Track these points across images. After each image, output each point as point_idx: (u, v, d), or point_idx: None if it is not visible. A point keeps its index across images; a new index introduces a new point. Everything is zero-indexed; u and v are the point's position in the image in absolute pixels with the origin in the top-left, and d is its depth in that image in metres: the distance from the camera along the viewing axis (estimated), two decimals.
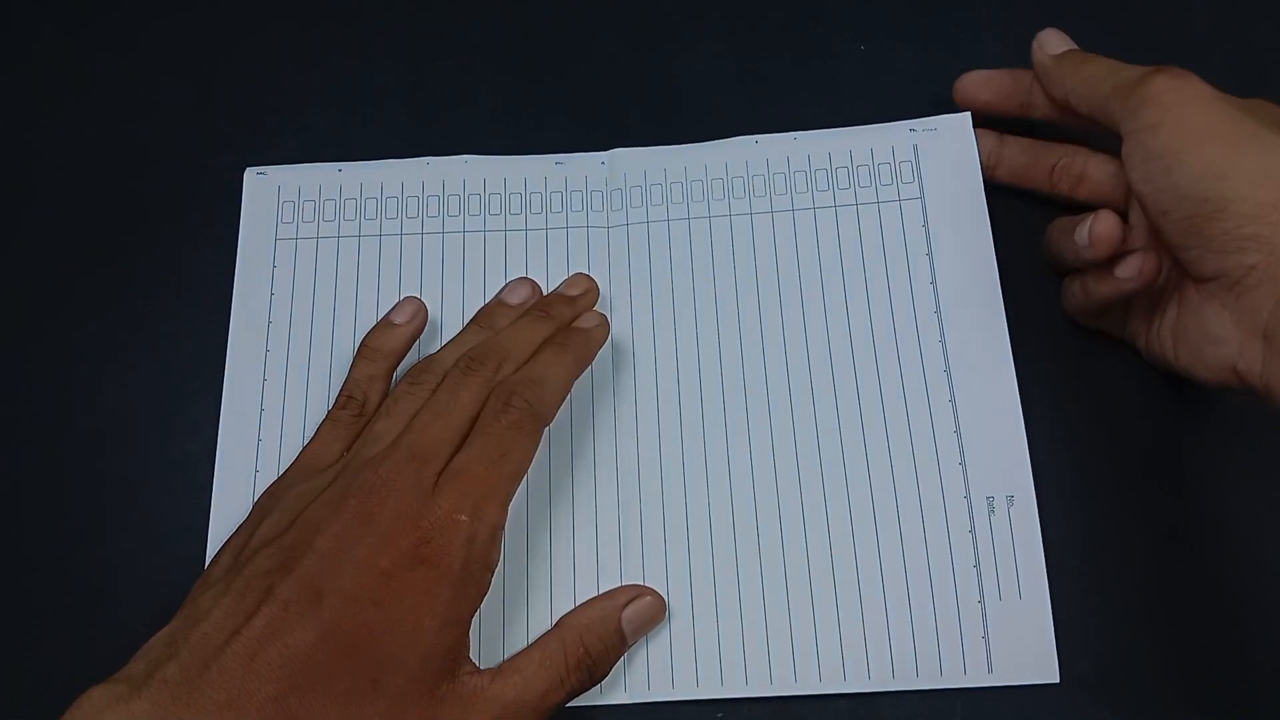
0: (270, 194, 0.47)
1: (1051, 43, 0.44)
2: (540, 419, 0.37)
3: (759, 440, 0.42)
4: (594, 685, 0.37)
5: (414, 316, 0.43)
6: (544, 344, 0.41)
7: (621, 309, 0.44)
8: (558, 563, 0.40)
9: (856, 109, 0.48)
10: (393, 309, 0.44)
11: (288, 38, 0.50)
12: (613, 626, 0.38)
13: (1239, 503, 0.41)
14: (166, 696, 0.30)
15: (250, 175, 0.47)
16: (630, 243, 0.45)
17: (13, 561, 0.41)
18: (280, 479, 0.40)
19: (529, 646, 0.37)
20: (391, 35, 0.50)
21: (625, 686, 0.39)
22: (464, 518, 0.34)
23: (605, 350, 0.43)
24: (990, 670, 0.38)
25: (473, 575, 0.35)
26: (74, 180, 0.47)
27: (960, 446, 0.41)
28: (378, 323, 0.43)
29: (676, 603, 0.40)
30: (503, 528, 0.35)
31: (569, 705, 0.38)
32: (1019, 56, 0.50)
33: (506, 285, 0.44)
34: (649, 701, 0.38)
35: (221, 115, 0.49)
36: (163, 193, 0.47)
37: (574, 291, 0.44)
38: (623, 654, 0.39)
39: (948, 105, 0.49)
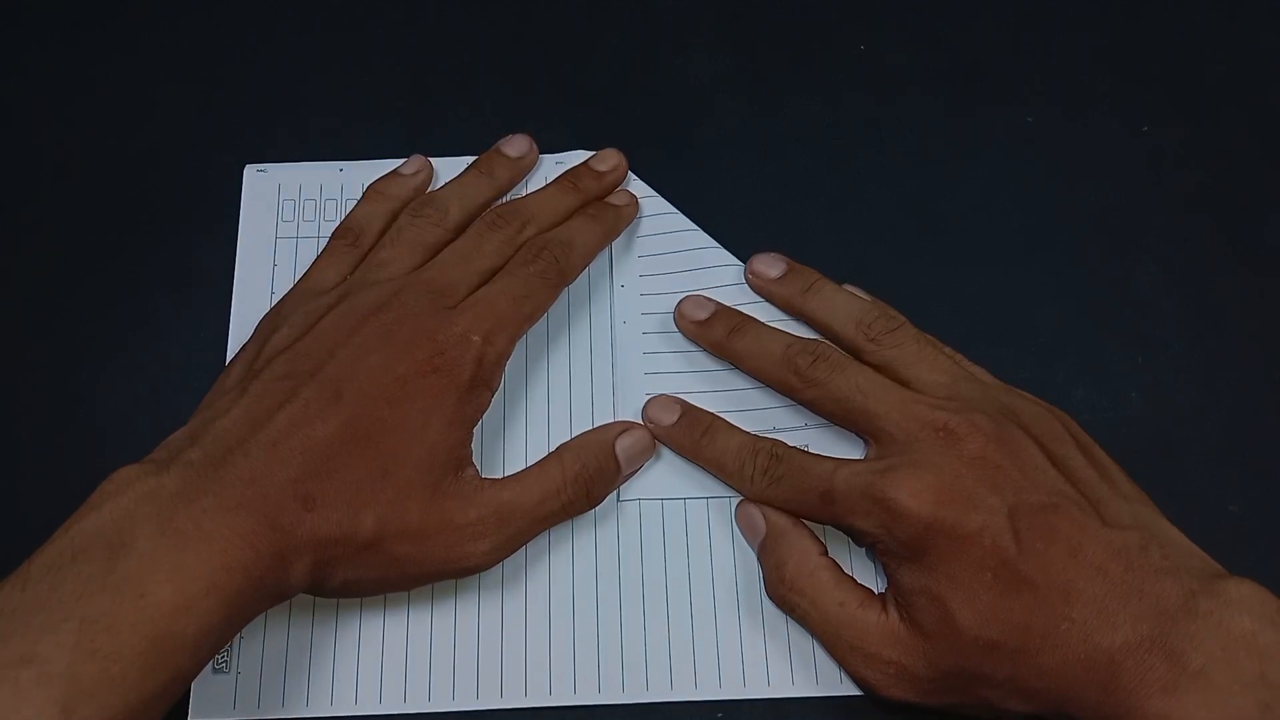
0: (270, 191, 0.46)
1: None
2: (564, 276, 0.41)
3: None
4: (590, 507, 0.40)
5: (421, 169, 0.45)
6: (577, 212, 0.44)
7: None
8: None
9: (857, 109, 0.49)
10: (402, 164, 0.46)
11: (289, 38, 0.50)
12: (608, 450, 0.40)
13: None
14: (193, 473, 0.33)
15: (250, 172, 0.47)
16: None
17: (14, 562, 0.41)
18: (280, 303, 0.42)
19: (530, 465, 0.40)
20: (392, 35, 0.50)
21: (624, 686, 0.39)
22: (476, 338, 0.38)
23: (606, 347, 0.43)
24: None
25: (475, 389, 0.38)
26: (74, 179, 0.47)
27: None
28: (386, 173, 0.45)
29: (676, 605, 0.40)
30: (507, 359, 0.39)
31: (567, 705, 0.38)
32: (1019, 55, 0.50)
33: (505, 138, 0.46)
34: (649, 702, 0.39)
35: (222, 115, 0.49)
36: (163, 192, 0.47)
37: (603, 167, 0.46)
38: (617, 483, 0.41)
39: (948, 106, 0.49)
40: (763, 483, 0.39)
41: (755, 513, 0.40)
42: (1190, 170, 0.48)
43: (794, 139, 0.48)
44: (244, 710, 0.38)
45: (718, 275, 0.45)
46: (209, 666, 0.38)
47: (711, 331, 0.43)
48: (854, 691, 0.38)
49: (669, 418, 0.42)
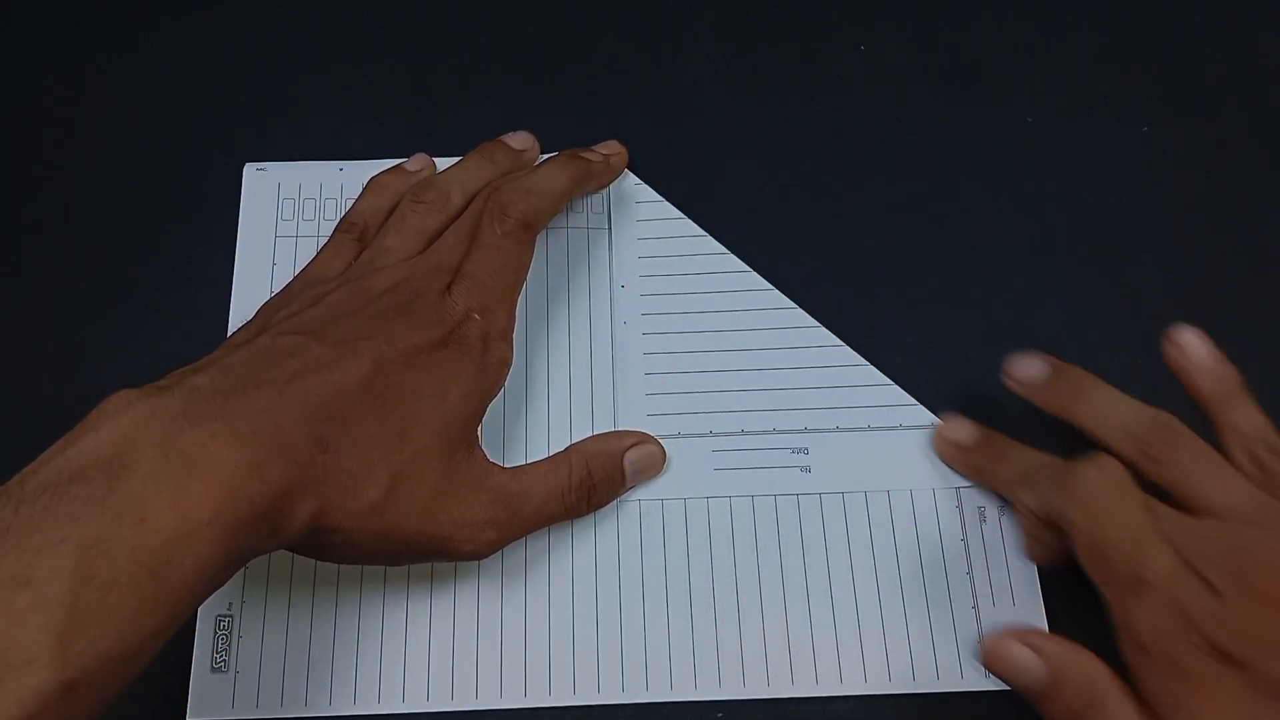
0: (270, 190, 0.46)
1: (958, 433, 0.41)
2: (531, 228, 0.40)
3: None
4: (589, 512, 0.40)
5: (424, 167, 0.45)
6: (547, 160, 0.44)
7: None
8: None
9: (856, 109, 0.49)
10: (406, 160, 0.46)
11: (289, 37, 0.50)
12: (616, 462, 0.40)
13: None
14: (199, 397, 0.31)
15: (250, 170, 0.47)
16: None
17: None
18: (287, 287, 0.41)
19: (540, 460, 0.40)
20: (392, 35, 0.50)
21: (624, 686, 0.39)
22: (477, 316, 0.37)
23: (606, 347, 0.43)
24: (987, 675, 0.38)
25: (491, 364, 0.38)
26: (74, 179, 0.47)
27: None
28: (389, 168, 0.45)
29: (676, 605, 0.40)
30: (511, 330, 0.39)
31: (567, 705, 0.38)
32: (1019, 55, 0.50)
33: (508, 133, 0.46)
34: (649, 702, 0.38)
35: (222, 115, 0.49)
36: (164, 192, 0.47)
37: (607, 151, 0.46)
38: (620, 494, 0.41)
39: (948, 106, 0.49)
40: None
41: (1020, 650, 0.33)
42: (1190, 170, 0.47)
43: (794, 139, 0.48)
44: (242, 709, 0.38)
45: (718, 276, 0.45)
46: (207, 665, 0.38)
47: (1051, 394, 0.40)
48: (853, 691, 0.38)
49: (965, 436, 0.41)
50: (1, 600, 0.26)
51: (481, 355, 0.37)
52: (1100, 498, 0.34)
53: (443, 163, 0.46)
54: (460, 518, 0.36)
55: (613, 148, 0.46)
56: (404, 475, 0.34)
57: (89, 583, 0.27)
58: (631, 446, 0.41)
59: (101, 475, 0.28)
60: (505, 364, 0.38)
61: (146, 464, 0.28)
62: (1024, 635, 0.34)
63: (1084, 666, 0.33)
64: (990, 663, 0.34)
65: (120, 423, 0.29)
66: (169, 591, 0.28)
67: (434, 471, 0.35)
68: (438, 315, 0.37)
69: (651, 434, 0.42)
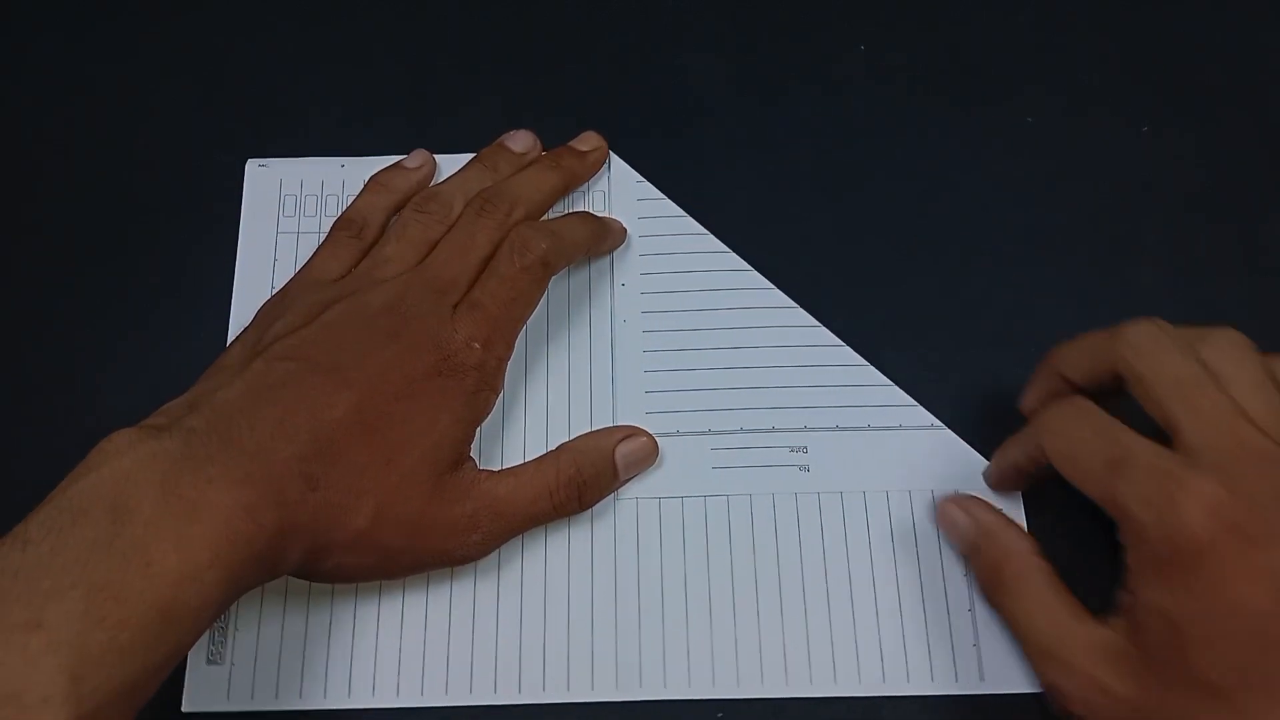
0: (272, 186, 0.47)
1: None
2: (550, 269, 0.40)
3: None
4: (581, 510, 0.40)
5: (424, 164, 0.46)
6: (534, 163, 0.45)
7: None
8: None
9: (856, 109, 0.49)
10: (405, 157, 0.46)
11: (290, 36, 0.50)
12: (606, 456, 0.40)
13: None
14: (196, 440, 0.32)
15: (252, 166, 0.47)
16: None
17: None
18: (283, 291, 0.42)
19: (529, 460, 0.40)
20: (393, 32, 0.50)
21: (618, 684, 0.39)
22: (477, 345, 0.38)
23: (606, 346, 0.43)
24: (982, 678, 0.38)
25: (482, 393, 0.38)
26: (74, 178, 0.47)
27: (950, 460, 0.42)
28: (389, 165, 0.45)
29: (673, 602, 0.40)
30: (507, 361, 0.39)
31: (562, 702, 0.38)
32: (1019, 55, 0.50)
33: (508, 133, 0.46)
34: (648, 701, 0.38)
35: (223, 111, 0.49)
36: (164, 190, 0.47)
37: (584, 147, 0.46)
38: (613, 489, 0.41)
39: (948, 106, 0.49)
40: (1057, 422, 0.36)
41: (959, 513, 0.39)
42: (1190, 170, 0.47)
43: (794, 138, 0.48)
44: (237, 701, 0.38)
45: (719, 275, 0.45)
46: (203, 657, 0.38)
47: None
48: (849, 693, 0.38)
49: None
50: (16, 643, 0.27)
51: (474, 385, 0.38)
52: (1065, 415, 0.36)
53: (444, 159, 0.46)
54: (447, 528, 0.37)
55: (592, 141, 0.46)
56: (390, 501, 0.35)
57: (99, 624, 0.28)
58: (623, 440, 0.41)
59: (105, 517, 0.29)
60: (496, 393, 0.39)
61: (148, 508, 0.30)
62: (964, 502, 0.39)
63: (1003, 537, 0.37)
64: (939, 520, 0.40)
65: (122, 464, 0.31)
66: (176, 628, 0.29)
67: (420, 493, 0.36)
68: (433, 340, 0.37)
69: (646, 429, 0.42)
